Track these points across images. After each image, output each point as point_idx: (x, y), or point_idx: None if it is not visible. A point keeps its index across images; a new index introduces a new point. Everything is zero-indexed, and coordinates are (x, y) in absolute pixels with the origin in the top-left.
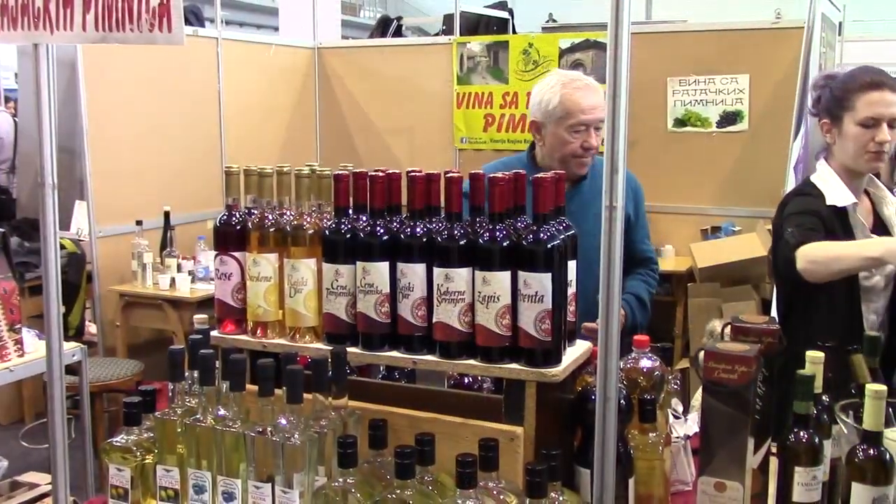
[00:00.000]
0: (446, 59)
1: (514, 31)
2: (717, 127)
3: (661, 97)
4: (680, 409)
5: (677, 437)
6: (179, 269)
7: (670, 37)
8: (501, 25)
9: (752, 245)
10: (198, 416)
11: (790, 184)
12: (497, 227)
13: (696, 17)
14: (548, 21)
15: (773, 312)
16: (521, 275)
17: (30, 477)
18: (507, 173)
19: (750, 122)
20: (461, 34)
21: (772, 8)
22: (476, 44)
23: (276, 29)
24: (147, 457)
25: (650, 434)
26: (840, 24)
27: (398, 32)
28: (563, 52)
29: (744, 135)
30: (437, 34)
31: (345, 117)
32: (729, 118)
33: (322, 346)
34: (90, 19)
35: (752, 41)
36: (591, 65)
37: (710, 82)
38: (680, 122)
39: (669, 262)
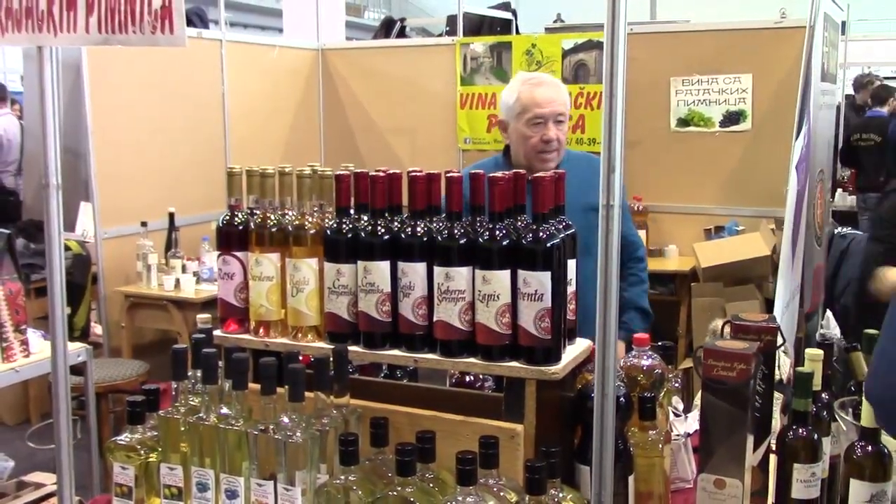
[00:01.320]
0: (450, 60)
1: (518, 32)
2: (720, 126)
3: (664, 97)
4: (680, 406)
5: (677, 435)
6: (184, 269)
7: (673, 37)
8: (505, 26)
9: (756, 245)
10: (201, 415)
11: (792, 183)
12: (497, 227)
13: (699, 16)
14: (556, 21)
15: (776, 311)
16: (521, 273)
17: (35, 477)
18: (507, 173)
19: (753, 121)
20: (464, 35)
21: (774, 8)
22: (479, 44)
23: (281, 30)
24: (151, 455)
25: (650, 432)
26: (843, 23)
27: (402, 33)
28: (566, 53)
29: (747, 134)
30: (440, 35)
31: (348, 118)
32: (732, 118)
33: (324, 345)
34: (93, 21)
35: (755, 41)
36: (595, 65)
37: (712, 82)
38: (683, 122)
39: (673, 261)
